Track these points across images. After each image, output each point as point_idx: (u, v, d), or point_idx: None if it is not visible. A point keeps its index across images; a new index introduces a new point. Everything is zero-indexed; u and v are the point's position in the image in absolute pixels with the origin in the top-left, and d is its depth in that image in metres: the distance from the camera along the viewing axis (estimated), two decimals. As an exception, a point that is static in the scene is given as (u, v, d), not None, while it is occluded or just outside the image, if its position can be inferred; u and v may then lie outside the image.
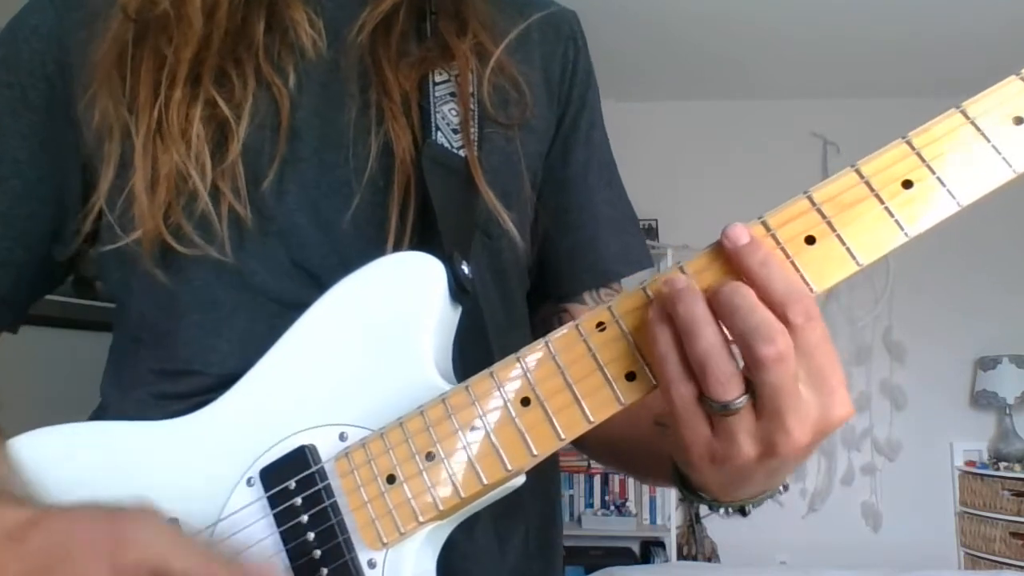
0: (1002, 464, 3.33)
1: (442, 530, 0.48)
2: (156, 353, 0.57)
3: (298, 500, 0.48)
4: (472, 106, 0.60)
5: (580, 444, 0.68)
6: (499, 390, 0.46)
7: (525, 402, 0.46)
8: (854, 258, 0.42)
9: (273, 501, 0.48)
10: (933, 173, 0.42)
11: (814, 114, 3.67)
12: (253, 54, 0.57)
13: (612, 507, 3.46)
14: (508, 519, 0.58)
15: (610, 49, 3.21)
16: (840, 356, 0.41)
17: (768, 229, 0.43)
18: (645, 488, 3.44)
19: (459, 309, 0.54)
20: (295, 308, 0.52)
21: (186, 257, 0.54)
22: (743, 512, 0.49)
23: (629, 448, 0.62)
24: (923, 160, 0.43)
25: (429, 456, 0.47)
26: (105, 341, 0.63)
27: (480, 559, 0.56)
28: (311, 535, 0.47)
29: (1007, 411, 3.40)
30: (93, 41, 0.57)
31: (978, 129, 0.43)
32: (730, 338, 0.40)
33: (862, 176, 0.43)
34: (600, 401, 0.44)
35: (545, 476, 0.63)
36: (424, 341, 0.51)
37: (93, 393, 0.61)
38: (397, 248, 0.55)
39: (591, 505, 3.47)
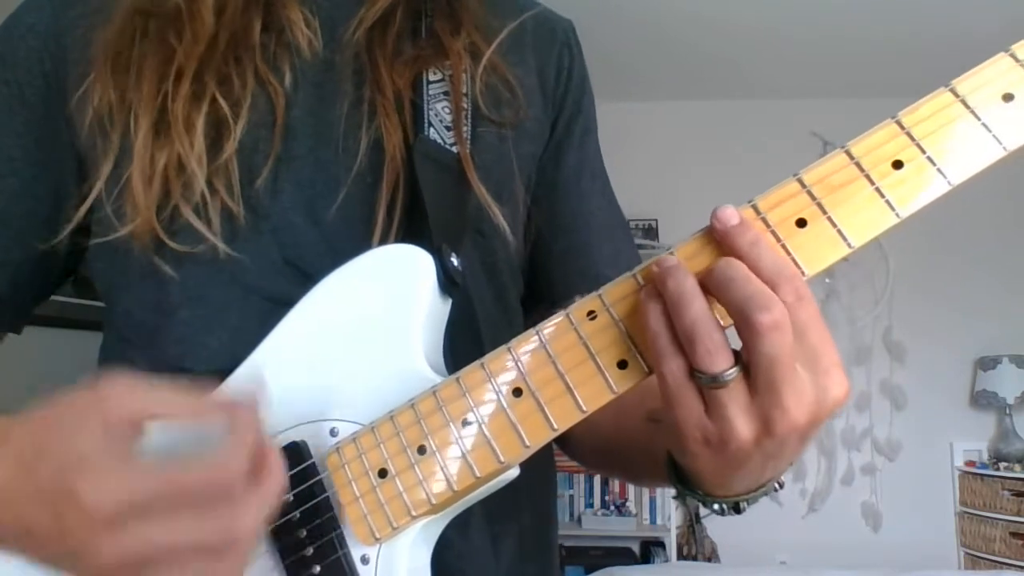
0: (1002, 464, 3.32)
1: (436, 525, 0.48)
2: (146, 352, 0.56)
3: (289, 497, 0.47)
4: (465, 104, 0.61)
5: (575, 452, 0.68)
6: (490, 381, 0.46)
7: (517, 393, 0.45)
8: (845, 240, 0.42)
9: (263, 498, 0.48)
10: (923, 152, 0.42)
11: (813, 114, 3.66)
12: (251, 54, 0.57)
13: (612, 507, 3.45)
14: (503, 519, 0.58)
15: (609, 49, 3.22)
16: (840, 356, 0.40)
17: (758, 212, 0.43)
18: (645, 488, 3.43)
19: (449, 302, 0.54)
20: (286, 305, 0.52)
21: (178, 253, 0.54)
22: (737, 510, 0.48)
23: (623, 449, 0.62)
24: (913, 139, 0.42)
25: (421, 449, 0.46)
26: (105, 341, 0.62)
27: (475, 559, 0.56)
28: (303, 532, 0.47)
29: (1007, 411, 3.39)
30: (92, 36, 0.57)
31: (968, 107, 0.42)
32: (725, 324, 0.40)
33: (852, 157, 0.43)
34: (592, 390, 0.44)
35: (541, 475, 0.63)
36: (414, 334, 0.50)
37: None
38: (383, 243, 0.55)
39: (591, 505, 3.47)
